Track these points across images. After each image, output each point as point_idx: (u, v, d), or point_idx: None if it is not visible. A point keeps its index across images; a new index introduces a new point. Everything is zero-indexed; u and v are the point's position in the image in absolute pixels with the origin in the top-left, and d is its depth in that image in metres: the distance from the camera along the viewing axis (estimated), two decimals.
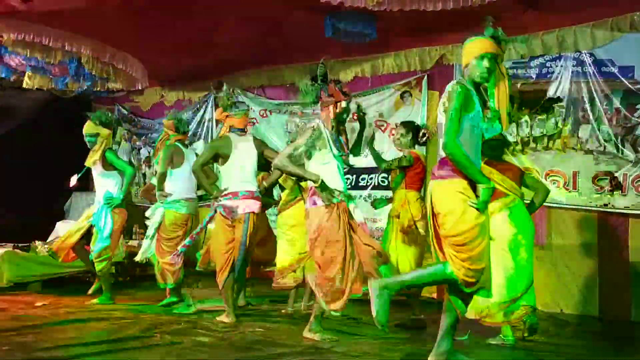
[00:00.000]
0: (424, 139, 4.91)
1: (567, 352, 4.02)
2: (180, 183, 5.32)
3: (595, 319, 5.41)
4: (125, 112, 9.58)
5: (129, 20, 5.77)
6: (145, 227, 5.71)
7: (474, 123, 3.15)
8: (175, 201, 5.29)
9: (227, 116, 4.90)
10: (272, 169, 4.58)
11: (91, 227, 5.61)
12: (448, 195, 3.09)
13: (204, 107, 8.73)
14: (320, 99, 4.23)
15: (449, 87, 3.15)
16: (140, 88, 7.78)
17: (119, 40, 6.35)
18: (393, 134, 6.90)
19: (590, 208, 5.54)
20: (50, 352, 3.57)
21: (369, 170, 7.13)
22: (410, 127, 4.95)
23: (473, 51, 3.20)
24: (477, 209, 3.04)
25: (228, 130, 4.89)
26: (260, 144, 4.95)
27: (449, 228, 3.06)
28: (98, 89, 7.72)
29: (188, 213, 5.34)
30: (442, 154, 3.13)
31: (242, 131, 4.89)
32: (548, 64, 5.90)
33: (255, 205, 4.76)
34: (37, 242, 7.02)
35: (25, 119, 8.69)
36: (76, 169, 6.08)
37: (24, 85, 6.90)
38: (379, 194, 6.96)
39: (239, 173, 4.77)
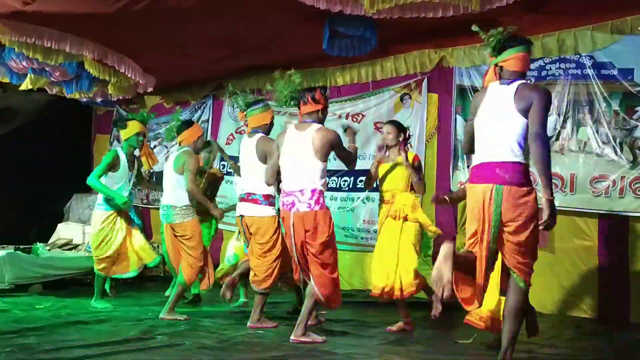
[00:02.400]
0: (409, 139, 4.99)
1: (567, 354, 4.04)
2: None
3: (595, 321, 5.42)
4: (125, 113, 9.62)
5: (130, 24, 5.78)
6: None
7: None
8: None
9: (245, 117, 4.94)
10: None
11: None
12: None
13: (201, 108, 8.78)
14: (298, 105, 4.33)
15: (527, 86, 3.29)
16: (142, 92, 7.79)
17: (119, 43, 6.36)
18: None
19: (587, 210, 5.55)
20: (52, 354, 3.59)
21: (367, 172, 7.13)
22: (402, 127, 4.93)
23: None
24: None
25: (249, 131, 4.88)
26: (262, 143, 4.72)
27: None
28: (99, 98, 7.75)
29: None
30: (502, 155, 3.21)
31: (254, 132, 4.81)
32: (548, 67, 5.91)
33: (248, 208, 4.69)
34: (39, 244, 7.04)
35: (27, 121, 8.71)
36: (77, 170, 6.11)
37: (24, 87, 6.90)
38: (377, 195, 6.98)
39: (242, 175, 4.82)
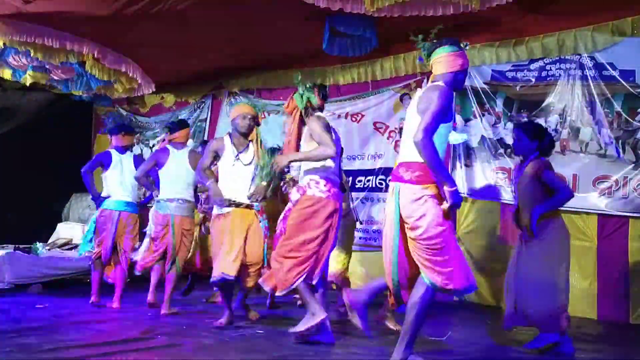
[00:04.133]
0: None
1: (567, 355, 4.03)
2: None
3: (594, 321, 5.42)
4: (124, 113, 9.62)
5: (128, 24, 5.78)
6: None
7: (448, 130, 3.25)
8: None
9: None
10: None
11: None
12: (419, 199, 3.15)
13: (200, 108, 8.78)
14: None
15: (431, 88, 3.23)
16: (142, 94, 7.80)
17: (119, 43, 6.36)
18: (391, 137, 6.94)
19: (590, 211, 5.55)
20: (52, 353, 3.58)
21: (366, 172, 7.15)
22: None
23: (458, 63, 3.28)
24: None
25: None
26: None
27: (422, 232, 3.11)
28: (100, 93, 7.73)
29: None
30: (407, 156, 3.21)
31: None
32: (548, 67, 5.91)
33: None
34: (38, 244, 7.02)
35: (26, 120, 8.70)
36: (77, 170, 6.09)
37: (26, 83, 6.87)
38: (375, 196, 7.00)
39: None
